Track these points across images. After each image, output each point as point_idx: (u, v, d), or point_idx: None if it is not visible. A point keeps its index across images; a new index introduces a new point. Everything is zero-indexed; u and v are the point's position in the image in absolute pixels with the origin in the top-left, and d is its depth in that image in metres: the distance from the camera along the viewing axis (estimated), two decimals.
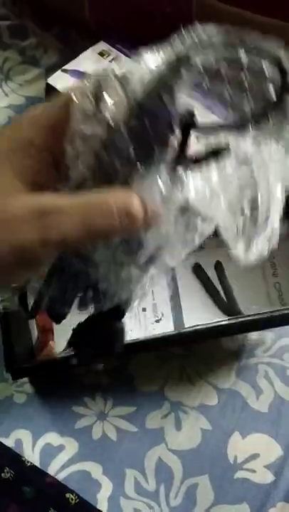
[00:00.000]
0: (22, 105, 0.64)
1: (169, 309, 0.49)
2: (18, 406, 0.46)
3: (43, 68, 0.67)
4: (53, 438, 0.45)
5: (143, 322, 0.49)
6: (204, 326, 0.43)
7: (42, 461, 0.44)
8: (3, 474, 0.37)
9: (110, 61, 0.61)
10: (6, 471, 0.37)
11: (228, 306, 0.49)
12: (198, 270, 0.51)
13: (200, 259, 0.51)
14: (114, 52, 0.62)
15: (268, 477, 0.45)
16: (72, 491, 0.37)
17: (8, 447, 0.39)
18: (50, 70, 0.66)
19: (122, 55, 0.61)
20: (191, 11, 0.61)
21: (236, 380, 0.49)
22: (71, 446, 0.45)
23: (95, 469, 0.45)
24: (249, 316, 0.44)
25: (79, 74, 0.59)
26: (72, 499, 0.37)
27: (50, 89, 0.59)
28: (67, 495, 0.37)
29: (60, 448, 0.45)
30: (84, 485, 0.43)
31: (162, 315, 0.49)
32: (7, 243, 0.25)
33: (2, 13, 0.70)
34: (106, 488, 0.44)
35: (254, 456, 0.46)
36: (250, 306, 0.48)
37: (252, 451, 0.46)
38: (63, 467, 0.44)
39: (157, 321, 0.48)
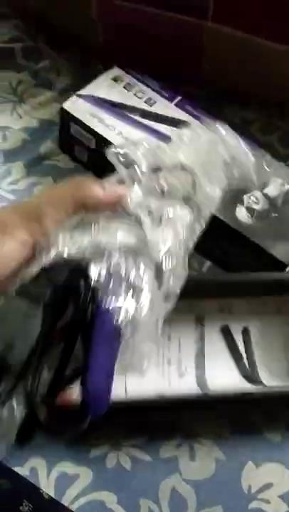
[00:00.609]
0: (36, 128, 0.65)
1: (193, 365, 0.50)
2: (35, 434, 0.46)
3: (56, 91, 0.68)
4: (67, 467, 0.45)
5: (167, 375, 0.49)
6: (231, 393, 0.46)
7: (57, 489, 0.44)
8: (21, 507, 0.37)
9: (124, 87, 0.62)
10: (24, 504, 0.37)
11: (249, 372, 0.50)
12: (226, 332, 0.52)
13: (229, 321, 0.52)
14: (127, 77, 0.62)
15: (282, 507, 0.45)
16: None
17: (27, 479, 0.39)
18: (63, 93, 0.67)
19: (136, 81, 0.62)
20: (201, 36, 0.61)
21: (248, 408, 0.49)
22: (86, 475, 0.45)
23: (110, 499, 0.45)
24: (273, 388, 0.47)
25: (94, 99, 0.60)
26: None
27: (65, 114, 0.60)
28: None
29: (75, 477, 0.45)
30: None
31: (186, 370, 0.49)
32: None
33: (16, 35, 0.71)
34: None
35: (268, 486, 0.46)
36: (270, 377, 0.49)
37: (266, 481, 0.46)
38: (78, 496, 0.44)
39: (180, 376, 0.49)
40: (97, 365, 0.30)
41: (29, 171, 0.62)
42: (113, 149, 0.38)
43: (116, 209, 0.35)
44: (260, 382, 0.49)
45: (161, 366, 0.49)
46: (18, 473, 0.40)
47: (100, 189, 0.35)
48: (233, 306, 0.53)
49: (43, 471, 0.45)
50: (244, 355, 0.51)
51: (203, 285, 0.51)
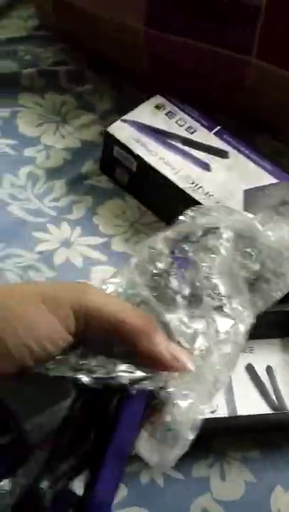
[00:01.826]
0: (78, 148, 0.67)
1: (223, 402, 0.51)
2: None
3: (98, 114, 0.70)
4: None
5: None
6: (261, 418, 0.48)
7: None
8: None
9: (166, 114, 0.64)
10: None
11: (277, 405, 0.51)
12: (250, 370, 0.54)
13: (252, 360, 0.54)
14: (169, 106, 0.65)
15: None
16: None
17: (72, 493, 0.40)
18: (105, 117, 0.69)
19: (177, 109, 0.65)
20: (245, 74, 0.64)
21: (277, 432, 0.51)
22: (120, 490, 0.46)
23: None
24: None
25: (137, 125, 0.62)
26: None
27: (109, 137, 0.62)
28: None
29: None
30: None
31: (217, 407, 0.51)
32: None
33: (60, 59, 0.74)
34: None
35: None
36: None
37: None
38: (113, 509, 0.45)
39: (212, 413, 0.50)
40: (110, 470, 0.29)
41: (70, 189, 0.64)
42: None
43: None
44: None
45: None
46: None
47: (162, 338, 0.30)
48: (255, 346, 0.55)
49: (80, 485, 0.46)
50: (271, 391, 0.52)
51: None
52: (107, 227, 0.62)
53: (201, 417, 0.31)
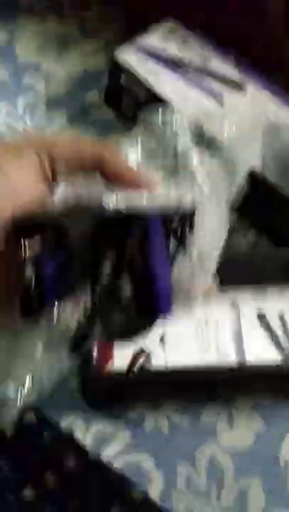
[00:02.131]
0: (81, 77, 0.62)
1: (232, 347, 0.48)
2: (72, 391, 0.44)
3: (103, 41, 0.64)
4: (105, 426, 0.44)
5: (206, 356, 0.47)
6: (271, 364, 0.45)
7: (93, 448, 0.43)
8: (65, 463, 0.35)
9: (179, 40, 0.58)
10: (69, 460, 0.35)
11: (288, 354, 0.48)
12: (262, 318, 0.50)
13: (264, 307, 0.50)
14: (183, 31, 0.59)
15: None
16: (137, 488, 0.36)
17: (73, 437, 0.37)
18: (110, 43, 0.64)
19: (192, 35, 0.59)
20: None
21: None
22: (123, 436, 0.44)
23: (147, 461, 0.43)
24: None
25: (147, 50, 0.57)
26: (137, 497, 0.35)
27: (115, 63, 0.57)
28: (132, 491, 0.35)
29: (112, 437, 0.44)
30: (135, 476, 0.42)
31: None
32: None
33: None
34: (157, 482, 0.43)
35: None
36: None
37: None
38: (114, 457, 0.43)
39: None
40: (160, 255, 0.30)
41: (72, 122, 0.59)
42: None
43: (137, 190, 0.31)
44: None
45: (200, 350, 0.48)
46: (62, 429, 0.39)
47: (128, 164, 0.31)
48: (268, 293, 0.52)
49: (80, 430, 0.43)
50: (282, 339, 0.50)
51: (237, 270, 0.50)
52: None
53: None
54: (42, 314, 0.29)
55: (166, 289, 0.29)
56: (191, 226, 0.32)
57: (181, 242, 0.32)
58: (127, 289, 0.29)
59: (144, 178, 0.31)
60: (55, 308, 0.29)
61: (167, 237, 0.31)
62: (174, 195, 0.32)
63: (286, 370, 0.48)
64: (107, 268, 0.29)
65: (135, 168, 0.32)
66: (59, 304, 0.29)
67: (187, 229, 0.32)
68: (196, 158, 0.34)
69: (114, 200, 0.28)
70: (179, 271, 0.31)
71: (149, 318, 0.30)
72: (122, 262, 0.29)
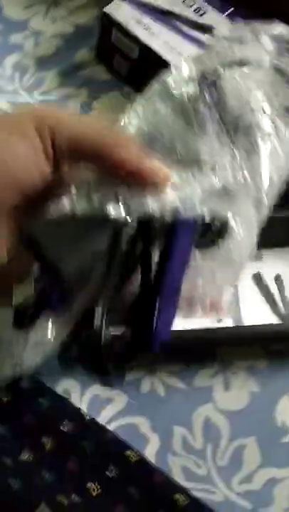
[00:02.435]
0: (71, 34, 0.59)
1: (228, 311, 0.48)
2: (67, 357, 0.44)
3: None
4: (101, 389, 0.44)
5: (203, 320, 0.47)
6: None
7: (89, 412, 0.43)
8: (61, 427, 0.36)
9: None
10: (64, 423, 0.36)
11: (286, 317, 0.48)
12: (258, 279, 0.50)
13: (260, 269, 0.50)
14: None
15: None
16: (132, 449, 0.37)
17: (67, 400, 0.37)
18: None
19: None
20: None
21: (286, 342, 0.48)
22: (119, 399, 0.44)
23: (143, 424, 0.44)
24: None
25: (139, 4, 0.54)
26: (132, 457, 0.36)
27: (106, 19, 0.54)
28: (127, 452, 0.36)
29: (109, 400, 0.44)
30: (132, 439, 0.43)
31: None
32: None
33: None
34: (153, 444, 0.43)
35: None
36: None
37: None
38: (111, 420, 0.43)
39: (218, 322, 0.47)
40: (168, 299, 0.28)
41: (63, 80, 0.57)
42: None
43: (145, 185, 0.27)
44: None
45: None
46: (58, 394, 0.39)
47: (139, 153, 0.27)
48: (263, 255, 0.51)
49: (76, 394, 0.44)
50: (279, 300, 0.49)
51: None
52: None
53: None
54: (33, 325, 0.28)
55: (164, 335, 0.29)
56: (221, 234, 0.29)
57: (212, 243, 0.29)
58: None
59: (156, 171, 0.27)
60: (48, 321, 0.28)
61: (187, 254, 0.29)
62: (197, 193, 0.27)
63: (281, 332, 0.48)
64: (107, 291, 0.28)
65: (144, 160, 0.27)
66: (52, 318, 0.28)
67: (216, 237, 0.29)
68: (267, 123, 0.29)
69: (121, 212, 0.26)
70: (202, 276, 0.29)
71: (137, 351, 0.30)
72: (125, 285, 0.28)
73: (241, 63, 0.30)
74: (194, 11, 0.56)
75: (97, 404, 0.44)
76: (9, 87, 0.56)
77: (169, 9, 0.55)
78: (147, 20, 0.54)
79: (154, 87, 0.31)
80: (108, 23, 0.54)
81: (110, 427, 0.43)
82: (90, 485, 0.35)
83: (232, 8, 0.56)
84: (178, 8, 0.55)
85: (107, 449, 0.36)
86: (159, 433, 0.44)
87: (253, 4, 0.59)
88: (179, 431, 0.44)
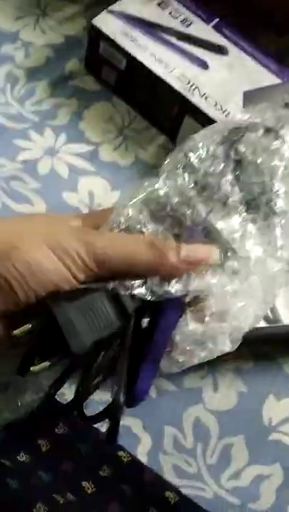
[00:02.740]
0: (61, 45, 0.61)
1: None
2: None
3: (82, 5, 0.63)
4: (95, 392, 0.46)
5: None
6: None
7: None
8: (56, 430, 0.37)
9: (158, 4, 0.57)
10: (59, 426, 0.37)
11: (272, 320, 0.49)
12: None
13: None
14: None
15: None
16: (124, 449, 0.38)
17: (62, 403, 0.39)
18: (91, 8, 0.62)
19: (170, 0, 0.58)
20: None
21: (272, 344, 0.50)
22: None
23: (136, 425, 0.45)
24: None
25: (126, 17, 0.56)
26: (124, 457, 0.38)
27: (94, 31, 0.56)
28: (119, 453, 0.38)
29: (101, 404, 0.46)
30: (124, 439, 0.44)
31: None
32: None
33: None
34: (145, 444, 0.45)
35: (288, 420, 0.47)
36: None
37: (286, 414, 0.47)
38: (104, 422, 0.45)
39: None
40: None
41: (53, 91, 0.59)
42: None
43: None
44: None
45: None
46: (50, 396, 0.40)
47: (175, 255, 0.30)
48: None
49: (70, 395, 0.45)
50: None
51: None
52: (94, 133, 0.57)
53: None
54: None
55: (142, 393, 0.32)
56: None
57: None
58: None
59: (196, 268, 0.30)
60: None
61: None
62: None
63: (268, 334, 0.50)
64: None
65: (188, 256, 0.30)
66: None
67: None
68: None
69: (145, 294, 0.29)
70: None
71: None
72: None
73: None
74: (181, 22, 0.57)
75: (91, 406, 0.45)
76: (1, 98, 0.58)
77: (156, 21, 0.57)
78: (134, 32, 0.55)
79: (178, 158, 0.32)
80: (96, 35, 0.56)
81: (103, 429, 0.45)
82: (84, 484, 0.36)
83: (218, 19, 0.58)
84: (164, 20, 0.57)
85: (101, 450, 0.38)
86: (150, 433, 0.46)
87: (238, 15, 0.60)
88: (169, 431, 0.46)
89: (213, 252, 0.30)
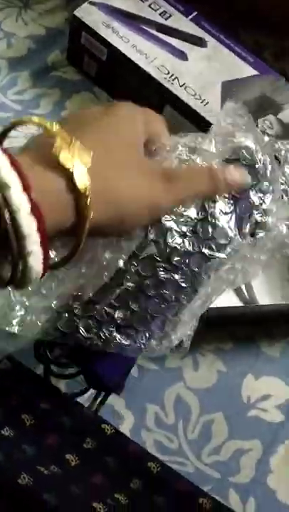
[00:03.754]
0: (43, 36, 0.62)
1: None
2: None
3: None
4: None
5: None
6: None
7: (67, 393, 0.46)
8: (42, 405, 0.38)
9: None
10: (44, 401, 0.38)
11: (250, 302, 0.51)
12: None
13: None
14: None
15: (278, 416, 0.48)
16: (106, 422, 0.39)
17: (47, 381, 0.40)
18: (72, 0, 0.63)
19: None
20: None
21: (250, 326, 0.51)
22: None
23: (119, 403, 0.46)
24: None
25: (107, 8, 0.57)
26: (107, 429, 0.39)
27: (76, 22, 0.57)
28: (103, 425, 0.39)
29: (84, 382, 0.47)
30: (108, 417, 0.45)
31: None
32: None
33: None
34: (128, 421, 0.46)
35: (266, 397, 0.49)
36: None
37: (264, 392, 0.49)
38: (88, 400, 0.46)
39: None
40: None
41: (35, 81, 0.59)
42: None
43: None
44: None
45: None
46: (37, 374, 0.41)
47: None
48: None
49: (54, 376, 0.46)
50: (243, 286, 0.52)
51: None
52: None
53: None
54: None
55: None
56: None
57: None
58: None
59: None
60: None
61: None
62: None
63: (245, 314, 0.51)
64: None
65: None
66: None
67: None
68: None
69: None
70: None
71: None
72: None
73: None
74: (160, 14, 0.59)
75: (75, 385, 0.46)
76: None
77: (137, 13, 0.58)
78: (116, 23, 0.57)
79: None
80: (78, 26, 0.57)
81: (86, 403, 0.45)
82: (68, 457, 0.37)
83: (195, 12, 0.59)
84: (145, 12, 0.58)
85: (84, 423, 0.39)
86: (133, 411, 0.47)
87: (216, 8, 0.62)
88: (152, 408, 0.47)
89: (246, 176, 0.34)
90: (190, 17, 0.59)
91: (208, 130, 0.37)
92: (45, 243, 0.25)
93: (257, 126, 0.55)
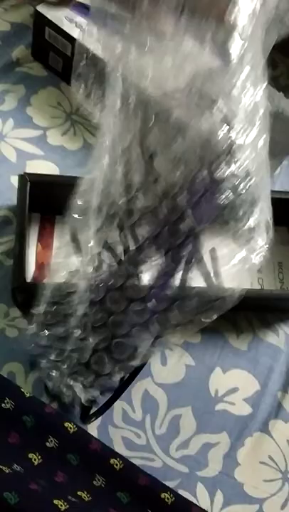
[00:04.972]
0: (7, 32, 0.61)
1: None
2: (10, 340, 0.47)
3: None
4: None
5: None
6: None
7: (35, 393, 0.45)
8: (3, 405, 0.38)
9: None
10: (6, 401, 0.38)
11: (215, 286, 0.51)
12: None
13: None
14: None
15: (246, 409, 0.48)
16: (69, 420, 0.39)
17: (9, 380, 0.40)
18: None
19: None
20: None
21: (218, 319, 0.51)
22: None
23: None
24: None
25: (72, 3, 0.57)
26: (70, 427, 0.38)
27: (39, 17, 0.56)
28: (66, 424, 0.38)
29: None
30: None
31: None
32: None
33: None
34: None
35: (234, 390, 0.49)
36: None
37: (232, 385, 0.49)
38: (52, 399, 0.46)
39: None
40: None
41: (1, 77, 0.59)
42: None
43: None
44: None
45: None
46: (1, 375, 0.41)
47: None
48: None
49: (21, 375, 0.46)
50: (211, 272, 0.52)
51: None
52: (42, 119, 0.58)
53: None
54: None
55: None
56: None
57: None
58: None
59: None
60: None
61: None
62: None
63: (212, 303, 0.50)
64: None
65: None
66: None
67: None
68: None
69: None
70: None
71: None
72: None
73: None
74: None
75: (41, 385, 0.46)
76: None
77: (101, 7, 0.57)
78: (80, 18, 0.56)
79: None
80: (41, 22, 0.56)
81: (55, 405, 0.45)
82: (31, 456, 0.37)
83: None
84: (108, 6, 0.58)
85: (47, 421, 0.39)
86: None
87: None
88: (119, 404, 0.47)
89: None
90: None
91: None
92: None
93: None
